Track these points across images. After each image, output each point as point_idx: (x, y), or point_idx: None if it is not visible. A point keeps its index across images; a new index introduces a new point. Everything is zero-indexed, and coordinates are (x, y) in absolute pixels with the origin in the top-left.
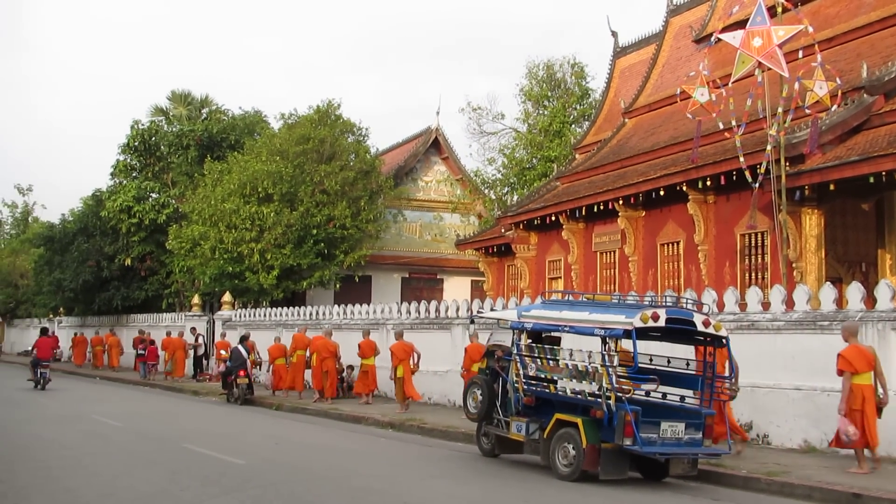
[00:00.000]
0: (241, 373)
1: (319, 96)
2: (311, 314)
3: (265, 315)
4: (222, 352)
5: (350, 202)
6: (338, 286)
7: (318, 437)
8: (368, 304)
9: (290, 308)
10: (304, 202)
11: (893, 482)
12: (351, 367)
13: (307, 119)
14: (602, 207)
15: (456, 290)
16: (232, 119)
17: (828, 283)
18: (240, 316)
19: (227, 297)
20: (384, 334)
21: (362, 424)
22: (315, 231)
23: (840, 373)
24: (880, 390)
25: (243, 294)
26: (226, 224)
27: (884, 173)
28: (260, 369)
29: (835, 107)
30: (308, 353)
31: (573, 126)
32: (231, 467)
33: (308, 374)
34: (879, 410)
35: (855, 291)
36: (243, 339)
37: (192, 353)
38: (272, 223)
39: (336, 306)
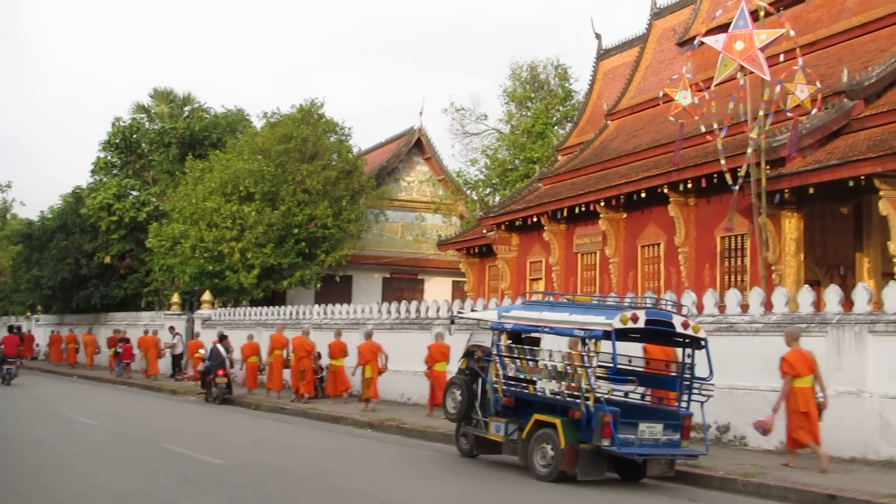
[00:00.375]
0: (220, 372)
1: (303, 95)
2: (291, 314)
3: (245, 314)
4: (201, 350)
5: (332, 202)
6: (318, 286)
7: (296, 437)
8: (349, 304)
9: (270, 307)
10: (285, 201)
11: (867, 483)
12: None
13: (290, 118)
14: (583, 209)
15: (437, 290)
16: (214, 117)
17: (806, 285)
18: (219, 315)
19: (206, 295)
20: (364, 334)
21: (341, 424)
22: (296, 230)
23: (783, 375)
24: (820, 393)
25: (223, 293)
26: (206, 222)
27: (863, 177)
28: (231, 366)
29: (815, 110)
30: (287, 353)
31: (556, 128)
32: (208, 467)
33: (287, 373)
34: (819, 412)
35: (833, 295)
36: (222, 338)
37: (169, 351)
38: (253, 222)
39: (316, 306)
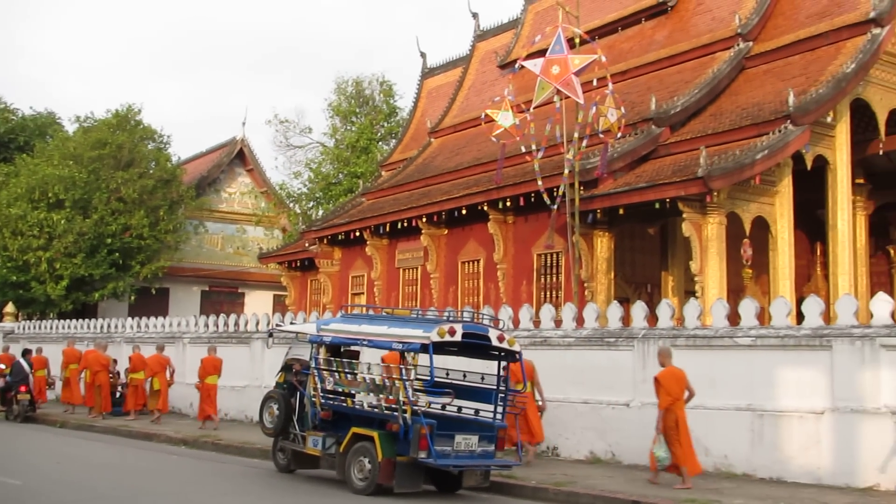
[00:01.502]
0: (23, 388)
1: (120, 100)
2: (102, 327)
3: (52, 328)
4: (1, 365)
5: (148, 211)
6: (133, 298)
7: (105, 455)
8: (165, 318)
9: (80, 321)
10: (98, 210)
11: (670, 490)
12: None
13: (105, 123)
14: (406, 224)
15: (258, 304)
16: (22, 119)
17: (616, 302)
18: (23, 328)
19: (9, 307)
20: (180, 348)
21: (154, 441)
22: (110, 240)
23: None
24: (538, 396)
25: (28, 305)
26: (11, 230)
27: (668, 200)
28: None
29: (620, 135)
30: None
31: (380, 143)
32: (6, 488)
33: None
34: (541, 413)
35: (639, 310)
36: (25, 353)
37: None
38: (63, 231)
39: (130, 319)
